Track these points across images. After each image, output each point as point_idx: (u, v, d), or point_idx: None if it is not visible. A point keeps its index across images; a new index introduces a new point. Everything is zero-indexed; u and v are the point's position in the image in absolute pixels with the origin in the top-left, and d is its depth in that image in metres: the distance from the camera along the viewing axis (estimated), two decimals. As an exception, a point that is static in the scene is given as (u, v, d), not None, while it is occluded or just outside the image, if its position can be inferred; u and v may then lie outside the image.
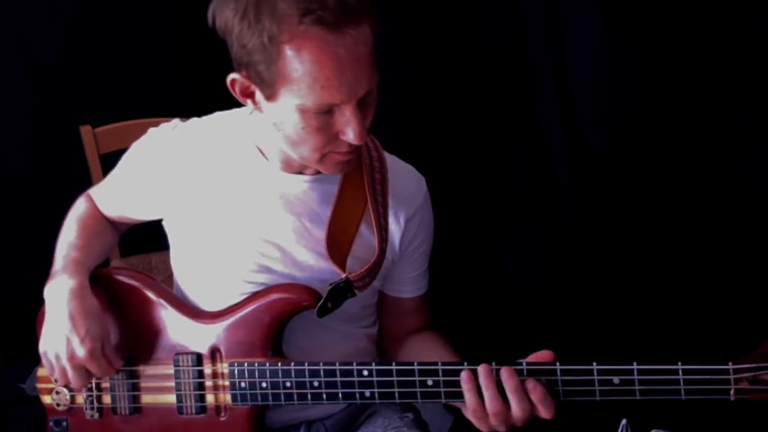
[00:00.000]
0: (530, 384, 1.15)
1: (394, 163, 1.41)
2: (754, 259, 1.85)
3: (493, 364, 1.17)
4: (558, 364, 1.17)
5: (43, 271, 1.38)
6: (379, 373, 1.23)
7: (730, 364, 1.11)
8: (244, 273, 1.34)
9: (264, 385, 1.29)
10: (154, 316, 1.37)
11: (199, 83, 2.06)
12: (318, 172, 1.33)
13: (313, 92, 1.14)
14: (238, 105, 1.30)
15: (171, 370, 1.34)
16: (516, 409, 1.15)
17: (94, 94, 2.46)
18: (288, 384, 1.27)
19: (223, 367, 1.32)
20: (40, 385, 1.42)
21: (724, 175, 1.87)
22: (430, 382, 1.21)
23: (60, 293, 1.30)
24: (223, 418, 1.33)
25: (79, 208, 1.50)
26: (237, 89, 1.23)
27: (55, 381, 1.35)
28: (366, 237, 1.36)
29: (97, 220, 1.49)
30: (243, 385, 1.30)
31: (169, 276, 1.48)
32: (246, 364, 1.30)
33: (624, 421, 1.10)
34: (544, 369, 1.17)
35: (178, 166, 1.36)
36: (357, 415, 1.48)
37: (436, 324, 1.51)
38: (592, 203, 2.11)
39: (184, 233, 1.39)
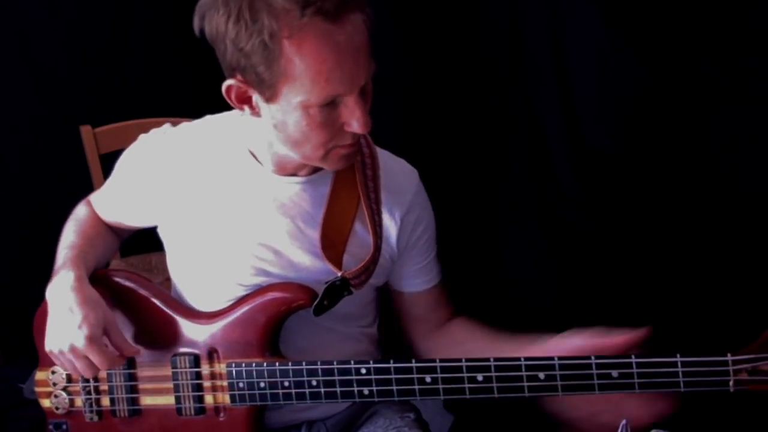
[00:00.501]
0: None
1: (385, 159, 1.40)
2: (752, 254, 1.85)
3: None
4: (556, 358, 1.17)
5: (43, 271, 1.38)
6: (377, 371, 1.24)
7: (729, 355, 1.11)
8: (240, 277, 1.34)
9: (262, 385, 1.29)
10: (151, 318, 1.37)
11: (199, 83, 2.06)
12: (311, 174, 1.33)
13: (316, 85, 1.14)
14: (237, 105, 1.30)
15: (169, 372, 1.34)
16: None
17: (94, 94, 2.46)
18: (286, 383, 1.27)
19: (221, 368, 1.32)
20: (38, 389, 1.42)
21: (724, 174, 1.87)
22: (428, 379, 1.21)
23: (59, 288, 1.29)
24: (222, 419, 1.33)
25: (79, 213, 1.50)
26: (233, 96, 1.22)
27: (68, 378, 1.35)
28: (361, 235, 1.35)
29: (97, 224, 1.49)
30: (241, 385, 1.30)
31: (168, 277, 1.48)
32: (244, 365, 1.30)
33: (624, 421, 1.10)
34: (542, 365, 1.17)
35: (169, 172, 1.35)
36: (358, 415, 1.48)
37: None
38: (592, 202, 2.10)
39: (178, 239, 1.39)
